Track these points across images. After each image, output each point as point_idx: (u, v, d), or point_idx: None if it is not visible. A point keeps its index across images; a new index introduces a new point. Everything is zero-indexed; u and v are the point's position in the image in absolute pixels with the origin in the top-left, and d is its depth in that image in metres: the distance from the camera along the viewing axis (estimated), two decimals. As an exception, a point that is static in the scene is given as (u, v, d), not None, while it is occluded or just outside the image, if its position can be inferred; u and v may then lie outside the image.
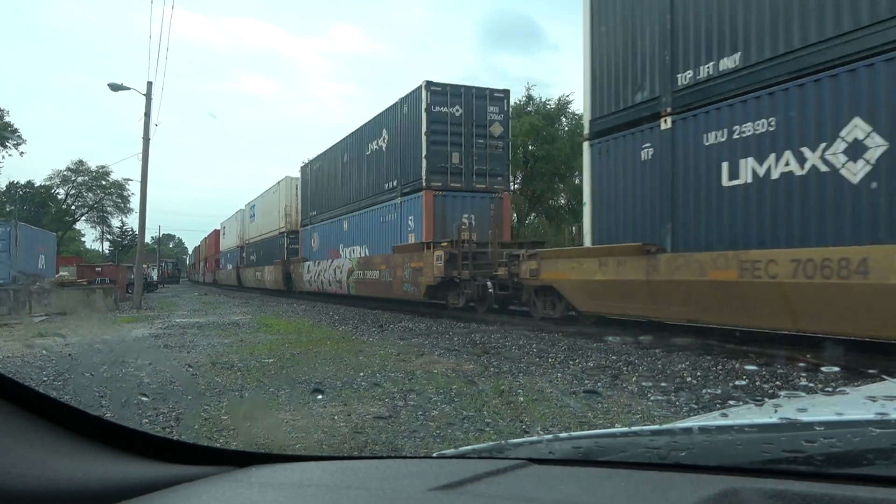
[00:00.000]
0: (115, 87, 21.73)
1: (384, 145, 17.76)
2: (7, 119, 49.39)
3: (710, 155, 8.08)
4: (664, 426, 1.05)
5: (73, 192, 59.12)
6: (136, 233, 26.40)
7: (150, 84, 22.02)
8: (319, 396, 5.52)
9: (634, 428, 1.07)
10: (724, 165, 7.89)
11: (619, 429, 1.12)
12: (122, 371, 7.05)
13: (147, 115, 21.90)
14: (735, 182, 7.75)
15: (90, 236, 70.51)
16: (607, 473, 0.94)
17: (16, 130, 49.79)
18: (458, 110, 15.48)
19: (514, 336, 10.30)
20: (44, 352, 8.75)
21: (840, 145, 6.63)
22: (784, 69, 7.22)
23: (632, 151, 9.42)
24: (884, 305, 5.92)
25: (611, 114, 9.97)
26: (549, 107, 35.40)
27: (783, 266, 6.85)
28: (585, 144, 10.58)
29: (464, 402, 5.19)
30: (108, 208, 62.06)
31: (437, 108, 15.21)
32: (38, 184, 57.97)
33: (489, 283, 13.10)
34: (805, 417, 0.94)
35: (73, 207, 59.93)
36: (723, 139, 7.94)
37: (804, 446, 0.84)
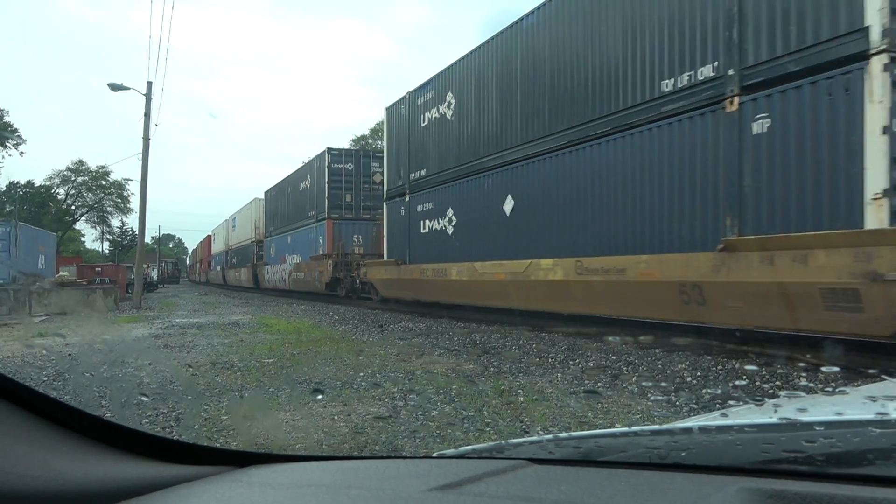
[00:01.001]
0: (114, 87, 21.74)
1: (308, 186, 25.52)
2: (7, 119, 49.44)
3: (419, 217, 15.83)
4: (664, 426, 1.05)
5: (73, 192, 59.16)
6: (136, 233, 26.43)
7: (149, 84, 22.05)
8: (319, 396, 5.52)
9: (634, 428, 1.07)
10: (421, 222, 15.65)
11: (619, 429, 1.12)
12: (122, 371, 7.06)
13: (147, 115, 21.92)
14: (424, 231, 15.47)
15: (90, 236, 70.65)
16: (607, 473, 0.94)
17: (16, 130, 49.84)
18: (350, 166, 23.43)
19: (514, 336, 10.31)
20: (44, 352, 8.75)
21: (446, 218, 14.43)
22: (434, 181, 15.18)
23: (398, 210, 17.11)
24: (452, 289, 13.79)
25: (392, 188, 17.72)
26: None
27: (431, 272, 14.59)
28: (385, 202, 18.39)
29: (464, 402, 5.19)
30: (108, 208, 62.11)
31: (335, 165, 23.14)
32: (38, 184, 58.02)
33: (357, 281, 20.27)
34: (805, 417, 0.94)
35: (73, 207, 59.94)
36: (421, 209, 15.68)
37: (804, 446, 0.84)
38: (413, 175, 16.16)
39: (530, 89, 11.62)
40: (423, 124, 15.79)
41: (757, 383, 6.03)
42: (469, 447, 1.17)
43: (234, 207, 47.15)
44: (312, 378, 6.51)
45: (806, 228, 6.87)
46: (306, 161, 26.84)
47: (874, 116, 6.40)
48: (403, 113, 16.97)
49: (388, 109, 18.16)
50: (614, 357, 7.83)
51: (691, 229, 8.13)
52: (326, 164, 22.89)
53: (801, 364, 6.82)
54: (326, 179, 22.85)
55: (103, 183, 58.95)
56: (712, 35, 8.06)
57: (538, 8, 11.39)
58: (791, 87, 7.14)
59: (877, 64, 6.43)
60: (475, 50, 13.67)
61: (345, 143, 56.44)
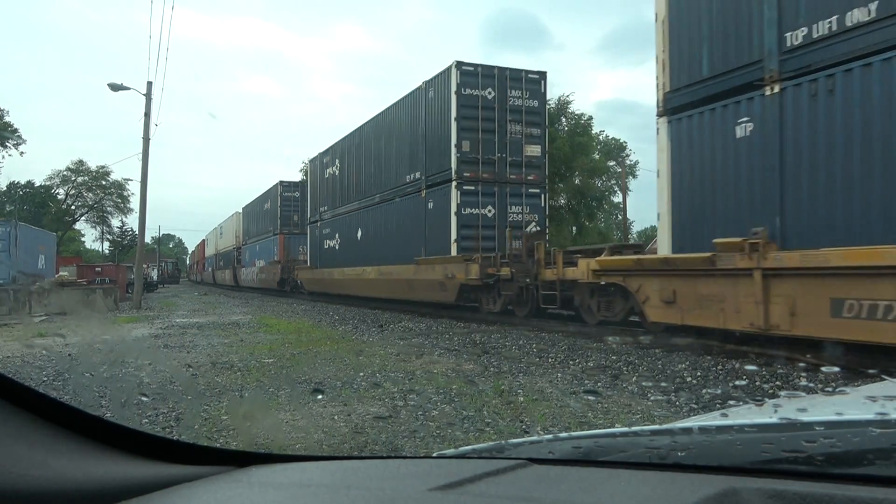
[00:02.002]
0: (114, 87, 21.72)
1: (269, 207, 33.77)
2: (7, 119, 49.28)
3: (323, 237, 23.70)
4: (664, 426, 1.05)
5: (73, 192, 58.93)
6: (136, 233, 26.45)
7: (149, 84, 22.03)
8: (319, 396, 5.52)
9: (634, 428, 1.07)
10: (324, 241, 23.59)
11: (619, 429, 1.12)
12: (122, 371, 7.05)
13: (147, 115, 21.90)
14: (325, 247, 23.34)
15: (90, 236, 70.28)
16: (607, 473, 0.94)
17: (16, 130, 49.61)
18: (297, 194, 31.64)
19: (514, 336, 10.31)
20: (44, 352, 8.74)
21: (335, 240, 22.48)
22: (329, 215, 23.28)
23: (314, 232, 24.95)
24: (336, 284, 22.24)
25: (311, 216, 25.69)
26: (549, 108, 35.46)
27: (326, 273, 22.98)
28: (308, 226, 26.11)
29: (464, 402, 5.19)
30: (108, 208, 61.87)
31: (286, 194, 31.88)
32: (38, 184, 57.85)
33: (297, 280, 27.68)
34: (805, 417, 0.94)
35: (73, 207, 59.76)
36: (325, 233, 23.44)
37: (804, 446, 0.83)
38: (321, 209, 24.12)
39: (364, 165, 19.85)
40: (325, 176, 23.74)
41: (757, 383, 6.03)
42: (469, 447, 1.17)
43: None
44: (312, 378, 6.51)
45: (440, 254, 14.59)
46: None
47: (453, 206, 14.41)
48: (317, 165, 25.20)
49: (310, 162, 26.97)
50: (614, 357, 7.83)
51: (412, 252, 15.85)
52: (279, 192, 31.98)
53: (801, 364, 6.81)
54: (279, 204, 31.74)
55: (103, 183, 58.74)
56: (419, 158, 16.02)
57: (371, 119, 19.53)
58: (437, 189, 15.10)
59: (454, 184, 14.43)
60: (348, 135, 21.41)
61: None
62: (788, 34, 7.20)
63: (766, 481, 0.80)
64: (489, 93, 14.62)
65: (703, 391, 5.73)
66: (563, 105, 35.53)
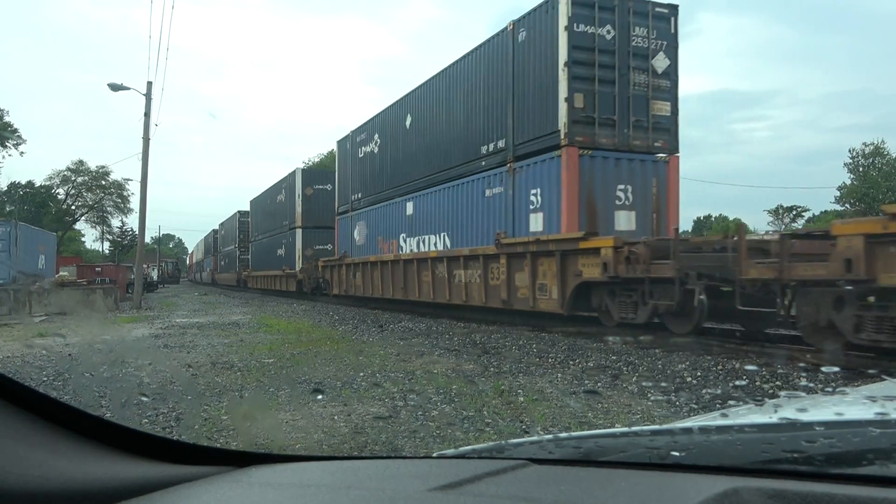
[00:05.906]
0: (114, 87, 21.71)
1: (211, 239, 57.38)
2: (7, 119, 49.31)
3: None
4: (664, 426, 1.05)
5: (73, 192, 58.94)
6: (136, 233, 26.47)
7: (149, 84, 22.03)
8: (319, 396, 5.52)
9: (634, 428, 1.07)
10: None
11: (619, 429, 1.12)
12: (122, 371, 7.05)
13: (147, 114, 21.91)
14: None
15: (90, 236, 70.32)
16: (607, 473, 0.94)
17: (16, 130, 49.69)
18: (222, 233, 51.74)
19: (514, 336, 10.31)
20: (44, 352, 8.74)
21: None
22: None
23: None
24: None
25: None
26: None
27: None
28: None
29: (464, 402, 5.19)
30: (108, 208, 61.89)
31: (216, 236, 54.94)
32: (38, 184, 57.83)
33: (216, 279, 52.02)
34: (805, 417, 0.94)
35: (73, 207, 59.77)
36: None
37: (804, 446, 0.84)
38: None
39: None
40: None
41: (757, 383, 6.02)
42: (469, 447, 1.17)
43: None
44: (312, 378, 6.51)
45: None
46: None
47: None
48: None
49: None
50: (614, 357, 7.82)
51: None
52: (212, 239, 50.49)
53: (801, 364, 6.81)
54: (213, 239, 52.15)
55: (103, 183, 58.71)
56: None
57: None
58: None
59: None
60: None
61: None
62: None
63: (766, 481, 0.80)
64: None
65: (703, 391, 5.73)
66: None
